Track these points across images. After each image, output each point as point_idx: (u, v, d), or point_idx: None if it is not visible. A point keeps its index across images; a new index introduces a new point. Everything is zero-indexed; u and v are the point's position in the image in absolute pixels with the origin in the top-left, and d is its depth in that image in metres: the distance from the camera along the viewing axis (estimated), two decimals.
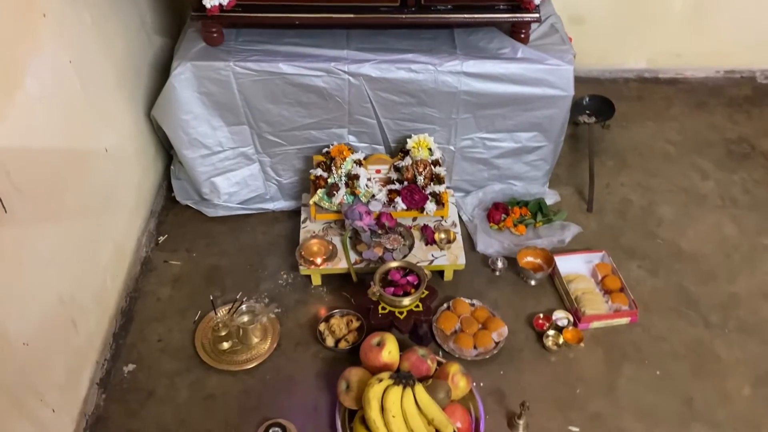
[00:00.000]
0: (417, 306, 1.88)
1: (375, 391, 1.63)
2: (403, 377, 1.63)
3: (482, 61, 2.04)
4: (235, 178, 2.27)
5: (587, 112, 2.70)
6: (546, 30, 2.17)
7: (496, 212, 2.30)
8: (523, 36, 2.09)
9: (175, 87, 2.04)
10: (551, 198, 2.38)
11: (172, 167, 2.34)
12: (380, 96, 2.10)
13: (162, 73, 2.26)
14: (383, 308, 1.87)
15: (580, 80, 2.91)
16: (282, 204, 2.36)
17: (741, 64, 3.00)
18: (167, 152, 2.39)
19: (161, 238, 2.26)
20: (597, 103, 2.70)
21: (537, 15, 2.01)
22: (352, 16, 2.01)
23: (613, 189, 2.47)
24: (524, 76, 2.05)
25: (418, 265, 2.00)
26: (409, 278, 1.89)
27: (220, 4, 1.90)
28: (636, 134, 2.72)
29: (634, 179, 2.51)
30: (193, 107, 2.09)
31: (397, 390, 1.62)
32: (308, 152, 2.24)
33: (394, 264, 1.91)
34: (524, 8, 1.96)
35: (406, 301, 1.85)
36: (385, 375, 1.65)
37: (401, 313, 1.86)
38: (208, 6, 1.89)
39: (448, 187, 2.33)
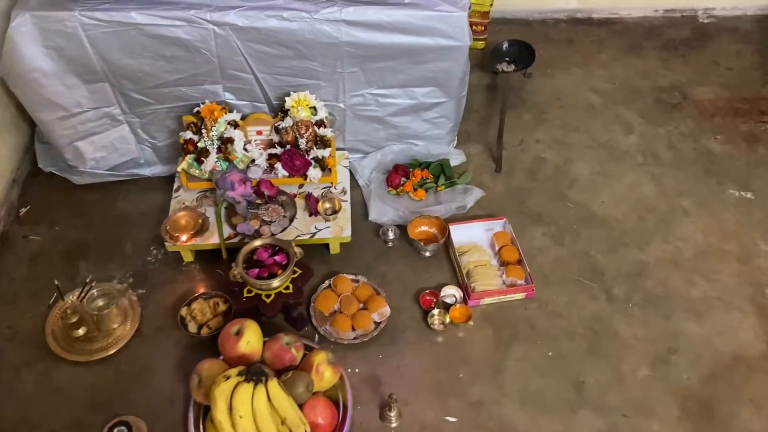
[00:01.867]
0: (287, 288, 1.70)
1: (222, 390, 1.46)
2: (254, 373, 1.47)
3: (364, 7, 1.80)
4: (101, 142, 2.04)
5: (506, 59, 2.46)
6: None
7: (396, 175, 2.10)
8: None
9: (15, 41, 1.78)
10: (456, 158, 2.18)
11: (36, 130, 2.10)
12: (252, 48, 1.85)
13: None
14: (249, 291, 1.69)
15: (505, 22, 2.71)
16: (159, 169, 2.14)
17: (681, 2, 2.76)
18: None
19: (23, 210, 2.05)
20: (517, 49, 2.46)
21: None
22: None
23: (527, 146, 2.27)
24: (412, 24, 1.81)
25: (298, 238, 1.82)
26: (277, 258, 1.70)
27: None
28: (560, 83, 2.50)
29: (551, 135, 2.31)
30: (40, 64, 1.83)
31: (247, 387, 1.46)
32: (181, 111, 2.00)
33: (258, 242, 1.72)
34: None
35: (275, 282, 1.67)
36: (233, 371, 1.48)
37: (268, 296, 1.69)
38: None
39: (342, 149, 2.12)
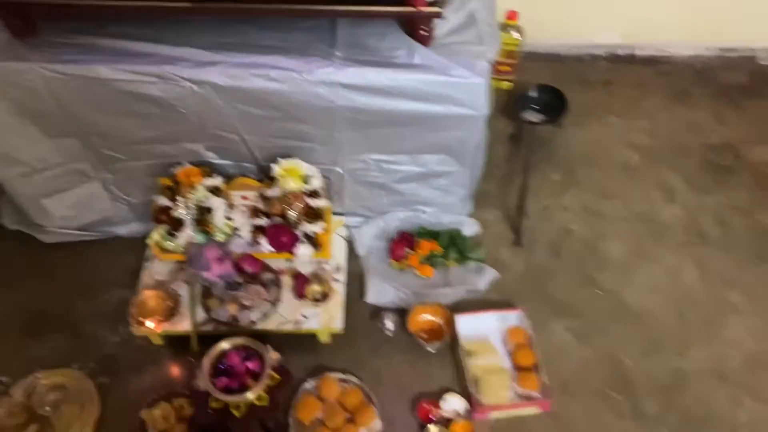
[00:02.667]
0: (260, 398, 1.47)
1: None
2: None
3: (364, 69, 1.53)
4: (70, 199, 1.82)
5: (534, 106, 2.17)
6: (462, 21, 1.63)
7: (399, 245, 1.84)
8: (423, 34, 1.56)
9: None
10: (470, 228, 1.91)
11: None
12: (237, 108, 1.60)
13: None
14: (217, 400, 1.46)
15: (536, 58, 2.40)
16: (135, 227, 1.91)
17: (738, 41, 2.42)
18: None
19: None
20: (547, 95, 2.17)
21: (437, 9, 1.47)
22: (189, 5, 1.49)
23: (552, 214, 1.99)
24: (420, 91, 1.54)
25: (282, 326, 1.59)
26: (250, 364, 1.47)
27: None
28: (594, 135, 2.20)
29: (581, 201, 2.02)
30: None
31: None
32: (159, 168, 1.76)
33: (227, 344, 1.49)
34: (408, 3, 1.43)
35: (248, 395, 1.44)
36: None
37: (239, 406, 1.46)
38: None
39: (339, 214, 1.87)
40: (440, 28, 1.59)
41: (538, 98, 2.17)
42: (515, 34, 2.18)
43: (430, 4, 1.45)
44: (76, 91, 1.57)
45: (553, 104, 2.16)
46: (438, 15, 1.48)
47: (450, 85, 1.53)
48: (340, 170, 1.76)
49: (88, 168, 1.77)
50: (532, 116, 2.15)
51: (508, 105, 2.21)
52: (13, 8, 1.48)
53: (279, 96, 1.56)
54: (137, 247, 1.87)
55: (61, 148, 1.71)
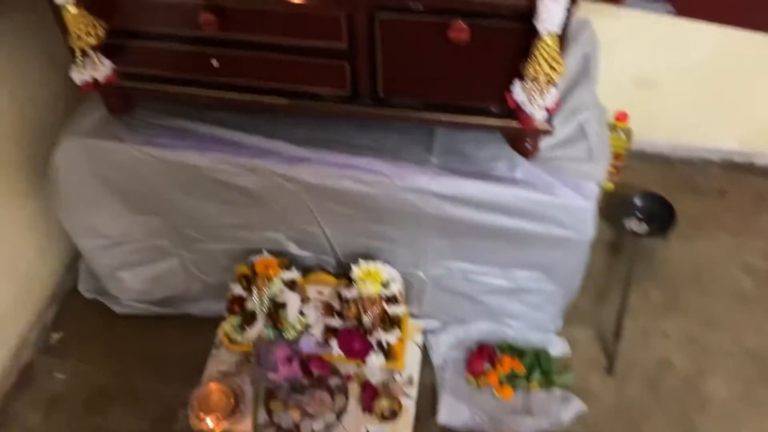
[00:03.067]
0: None
1: None
2: None
3: (461, 180, 1.43)
4: (146, 274, 1.80)
5: (638, 215, 2.01)
6: (570, 133, 1.50)
7: (479, 359, 1.70)
8: (528, 147, 1.45)
9: (58, 168, 1.57)
10: (558, 348, 1.75)
11: None
12: (323, 206, 1.54)
13: None
14: None
15: (642, 157, 2.24)
16: (208, 307, 1.85)
17: None
18: None
19: (55, 336, 1.84)
20: (652, 204, 2.00)
21: (548, 128, 1.35)
22: (286, 101, 1.44)
23: (651, 340, 1.80)
24: (520, 208, 1.42)
25: None
26: None
27: (95, 81, 1.38)
28: (703, 252, 2.00)
29: (684, 328, 1.82)
30: (85, 191, 1.61)
31: None
32: (238, 253, 1.71)
33: None
34: (520, 122, 1.32)
35: None
36: None
37: None
38: (77, 82, 1.38)
39: (415, 316, 1.76)
40: (546, 139, 1.47)
41: (643, 206, 2.01)
42: (623, 136, 2.03)
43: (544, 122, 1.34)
44: (165, 173, 1.54)
45: (659, 214, 1.99)
46: (548, 132, 1.37)
47: (553, 205, 1.41)
48: (422, 275, 1.65)
49: (168, 245, 1.75)
50: (635, 225, 1.99)
51: (610, 209, 2.04)
52: (115, 89, 1.48)
53: (368, 198, 1.48)
54: (207, 328, 1.81)
55: (143, 225, 1.70)
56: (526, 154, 1.45)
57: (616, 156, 2.08)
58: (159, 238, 1.73)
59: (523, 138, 1.43)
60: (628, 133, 2.02)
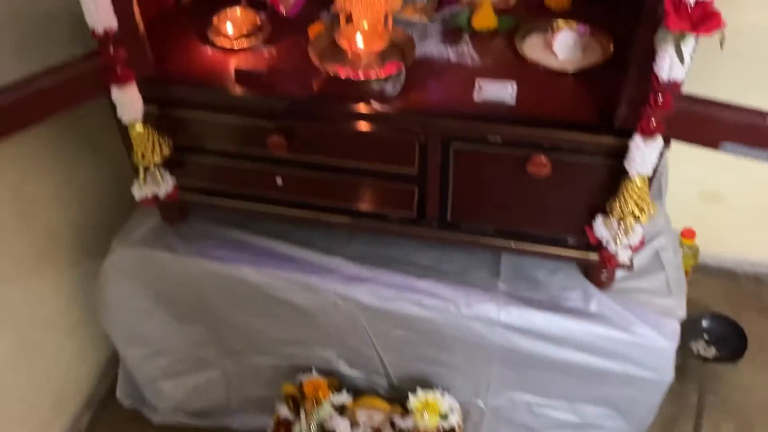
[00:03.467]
0: None
1: None
2: None
3: (531, 311, 1.34)
4: (187, 384, 1.72)
5: (705, 337, 1.89)
6: (645, 263, 1.42)
7: None
8: (603, 278, 1.36)
9: (111, 275, 1.52)
10: None
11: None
12: (380, 328, 1.46)
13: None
14: None
15: (706, 270, 2.13)
16: (248, 422, 1.76)
17: None
18: None
19: None
20: (721, 326, 1.88)
21: (629, 264, 1.27)
22: (348, 220, 1.38)
23: None
24: (595, 346, 1.33)
25: None
26: None
27: (156, 197, 1.35)
28: None
29: None
30: (134, 299, 1.56)
31: None
32: (284, 369, 1.62)
33: None
34: (601, 261, 1.24)
35: None
36: None
37: None
38: (137, 198, 1.34)
39: None
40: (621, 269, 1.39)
41: (711, 328, 1.89)
42: (689, 252, 1.94)
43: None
44: (217, 286, 1.49)
45: (728, 337, 1.87)
46: (629, 268, 1.28)
47: (631, 344, 1.31)
48: (483, 405, 1.54)
49: (211, 356, 1.67)
50: (702, 349, 1.87)
51: None
52: (169, 203, 1.44)
53: (429, 324, 1.40)
54: None
55: (188, 334, 1.63)
56: (600, 284, 1.37)
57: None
58: (203, 349, 1.65)
59: (599, 269, 1.35)
60: (695, 250, 1.93)
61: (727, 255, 2.13)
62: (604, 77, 1.20)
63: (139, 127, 1.23)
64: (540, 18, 1.33)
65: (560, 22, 1.27)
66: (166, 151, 1.27)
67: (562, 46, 1.23)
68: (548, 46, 1.26)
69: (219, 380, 1.71)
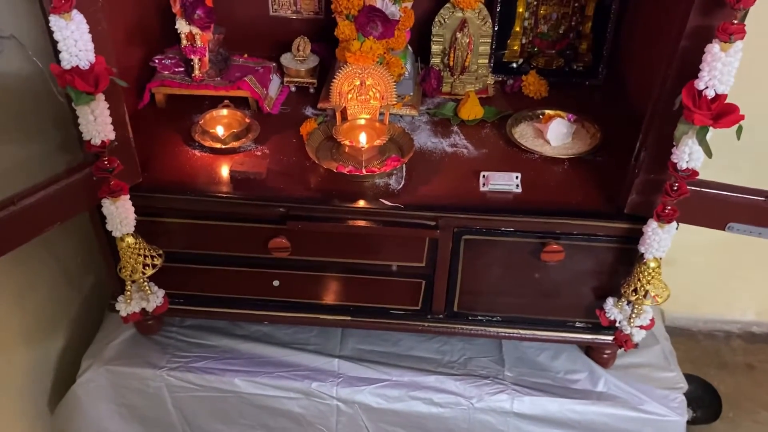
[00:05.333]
0: None
1: None
2: None
3: (543, 398, 1.32)
4: None
5: None
6: None
7: None
8: (606, 357, 1.37)
9: (80, 397, 1.37)
10: None
11: None
12: (384, 430, 1.38)
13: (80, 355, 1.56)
14: None
15: (670, 333, 2.21)
16: None
17: None
18: None
19: None
20: (696, 389, 1.94)
21: (635, 342, 1.29)
22: (348, 318, 1.33)
23: None
24: (608, 426, 1.32)
25: None
26: None
27: (143, 311, 1.24)
28: None
29: None
30: (107, 424, 1.41)
31: None
32: None
33: None
34: (616, 343, 1.25)
35: None
36: None
37: None
38: (123, 314, 1.23)
39: None
40: None
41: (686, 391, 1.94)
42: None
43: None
44: (202, 401, 1.37)
45: (702, 398, 1.92)
46: (635, 346, 1.30)
47: (642, 421, 1.32)
48: None
49: None
50: None
51: None
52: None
53: (440, 421, 1.35)
54: None
55: None
56: (605, 364, 1.38)
57: None
58: None
59: (602, 349, 1.36)
60: (661, 313, 2.00)
61: (683, 315, 2.23)
62: (598, 163, 1.24)
63: (130, 240, 1.13)
64: (523, 107, 1.37)
65: (549, 112, 1.32)
66: (158, 261, 1.18)
67: (555, 134, 1.27)
68: (539, 134, 1.30)
69: None
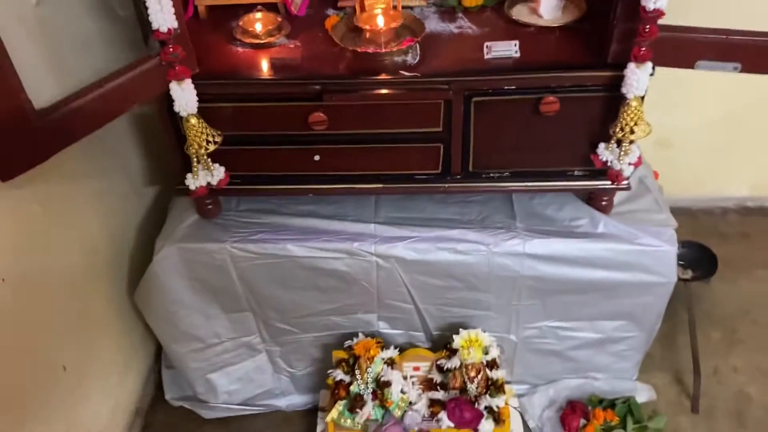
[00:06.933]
0: None
1: None
2: None
3: (551, 240, 1.55)
4: (236, 374, 1.81)
5: (681, 263, 2.14)
6: (634, 187, 1.65)
7: (573, 416, 1.76)
8: (604, 203, 1.59)
9: (157, 274, 1.61)
10: (644, 395, 1.82)
11: (163, 353, 1.89)
12: (418, 280, 1.62)
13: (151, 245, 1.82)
14: None
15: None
16: (297, 400, 1.88)
17: None
18: None
19: None
20: (693, 252, 2.15)
21: (626, 183, 1.50)
22: (379, 186, 1.55)
23: (724, 376, 1.90)
24: (609, 260, 1.54)
25: None
26: None
27: (209, 185, 1.47)
28: (745, 291, 2.15)
29: (752, 361, 1.93)
30: (182, 295, 1.65)
31: None
32: (328, 340, 1.76)
33: None
34: (609, 180, 1.47)
35: None
36: None
37: None
38: (192, 187, 1.46)
39: (507, 382, 1.81)
40: (617, 196, 1.62)
41: (684, 254, 2.15)
42: None
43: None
44: (261, 268, 1.61)
45: (699, 259, 2.14)
46: (627, 188, 1.51)
47: (639, 253, 1.54)
48: (514, 338, 1.73)
49: (258, 342, 1.78)
50: (681, 272, 2.12)
51: None
52: (215, 192, 1.56)
53: (464, 267, 1.58)
54: (297, 421, 1.84)
55: (235, 323, 1.73)
56: (604, 210, 1.59)
57: None
58: (250, 336, 1.76)
59: (600, 196, 1.57)
60: (660, 189, 2.20)
61: (682, 194, 2.42)
62: (584, 29, 1.44)
63: (194, 120, 1.36)
64: None
65: None
66: (218, 138, 1.41)
67: (547, 8, 1.47)
68: (533, 11, 1.50)
69: (265, 365, 1.82)
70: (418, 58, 1.40)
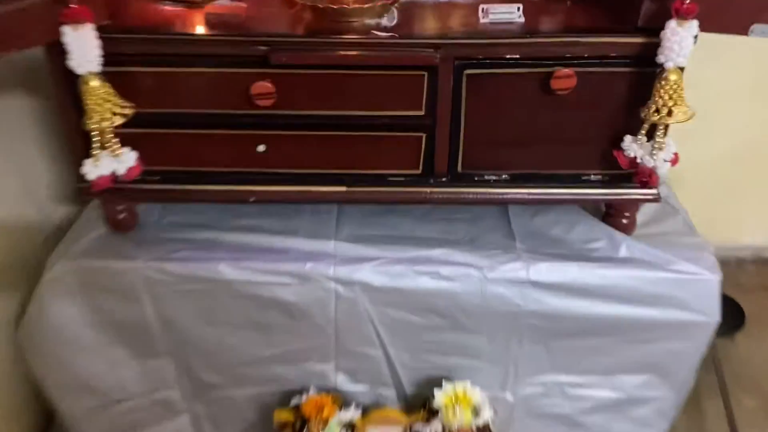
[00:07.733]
0: None
1: None
2: None
3: (561, 264, 1.20)
4: None
5: None
6: (658, 208, 1.34)
7: None
8: (625, 221, 1.26)
9: (45, 301, 1.22)
10: None
11: (57, 421, 1.44)
12: (388, 316, 1.25)
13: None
14: None
15: None
16: None
17: None
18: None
19: None
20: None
21: (656, 192, 1.18)
22: (342, 189, 1.21)
23: None
24: (634, 291, 1.20)
25: None
26: None
27: (114, 175, 1.11)
28: None
29: None
30: (78, 332, 1.25)
31: None
32: (269, 398, 1.36)
33: None
34: (639, 182, 1.14)
35: None
36: None
37: None
38: (91, 176, 1.09)
39: None
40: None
41: None
42: None
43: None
44: (183, 297, 1.23)
45: (725, 312, 1.81)
46: (657, 199, 1.19)
47: (674, 283, 1.19)
48: (510, 398, 1.35)
49: (177, 398, 1.37)
50: None
51: None
52: (125, 195, 1.20)
53: (449, 298, 1.21)
54: None
55: (148, 372, 1.33)
56: (625, 230, 1.26)
57: None
58: (167, 390, 1.35)
59: (621, 211, 1.25)
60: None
61: None
62: None
63: (94, 82, 1.02)
64: None
65: None
66: (128, 111, 1.06)
67: None
68: None
69: (187, 430, 1.40)
70: (395, 21, 1.10)
